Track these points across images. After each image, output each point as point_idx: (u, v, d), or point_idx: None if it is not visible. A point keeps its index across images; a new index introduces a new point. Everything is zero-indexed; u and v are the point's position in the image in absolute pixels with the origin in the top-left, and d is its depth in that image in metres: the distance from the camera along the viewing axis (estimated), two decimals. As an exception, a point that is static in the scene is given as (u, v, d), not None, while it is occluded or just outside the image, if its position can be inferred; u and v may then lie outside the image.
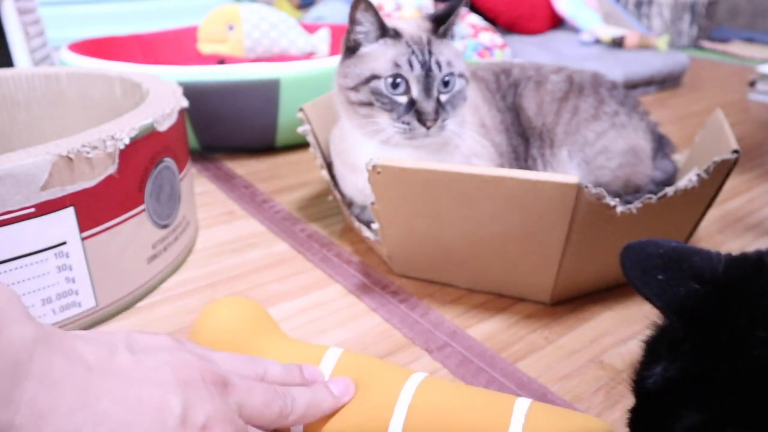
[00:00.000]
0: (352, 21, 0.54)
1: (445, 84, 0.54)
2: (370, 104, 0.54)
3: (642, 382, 0.28)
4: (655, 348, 0.29)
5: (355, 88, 0.55)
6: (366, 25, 0.54)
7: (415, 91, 0.53)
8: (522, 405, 0.35)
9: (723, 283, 0.27)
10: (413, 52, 0.53)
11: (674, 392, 0.27)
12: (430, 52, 0.53)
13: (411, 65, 0.53)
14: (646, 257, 0.29)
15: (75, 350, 0.26)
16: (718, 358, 0.26)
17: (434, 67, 0.53)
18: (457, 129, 0.56)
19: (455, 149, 0.58)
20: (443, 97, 0.54)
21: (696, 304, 0.27)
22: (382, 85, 0.53)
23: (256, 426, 0.32)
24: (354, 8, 0.53)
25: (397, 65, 0.53)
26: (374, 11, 0.53)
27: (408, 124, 0.53)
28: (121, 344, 0.29)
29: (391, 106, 0.53)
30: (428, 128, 0.53)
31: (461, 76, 0.55)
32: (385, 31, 0.54)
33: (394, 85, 0.53)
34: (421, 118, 0.53)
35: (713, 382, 0.25)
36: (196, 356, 0.31)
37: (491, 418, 0.35)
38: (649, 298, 0.28)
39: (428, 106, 0.52)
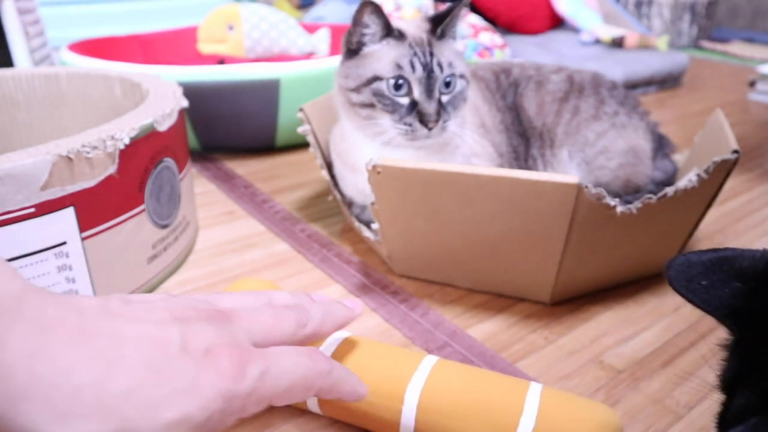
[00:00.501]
0: (359, 24, 0.53)
1: (447, 85, 0.54)
2: (371, 105, 0.54)
3: (718, 386, 0.30)
4: (726, 350, 0.30)
5: (356, 90, 0.55)
6: (373, 27, 0.53)
7: (417, 93, 0.53)
8: (536, 388, 0.37)
9: (765, 278, 0.28)
10: (415, 54, 0.53)
11: (734, 388, 0.28)
12: (431, 54, 0.53)
13: (413, 67, 0.52)
14: (690, 267, 0.30)
15: (67, 299, 0.26)
16: (763, 348, 0.27)
17: (436, 68, 0.53)
18: (457, 130, 0.56)
19: (455, 149, 0.58)
20: (444, 98, 0.54)
21: (741, 302, 0.28)
22: (384, 86, 0.53)
23: (277, 343, 0.31)
24: (361, 11, 0.52)
25: (399, 67, 0.53)
26: (381, 13, 0.52)
27: (410, 125, 0.53)
28: (115, 297, 0.28)
29: (392, 108, 0.53)
30: (430, 129, 0.53)
31: (462, 76, 0.55)
32: (389, 32, 0.54)
33: (396, 87, 0.53)
34: (422, 119, 0.53)
35: (758, 369, 0.27)
36: (191, 299, 0.31)
37: (506, 399, 0.36)
38: (696, 305, 0.29)
39: (430, 108, 0.52)
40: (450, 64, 0.54)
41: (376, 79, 0.53)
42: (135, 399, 0.24)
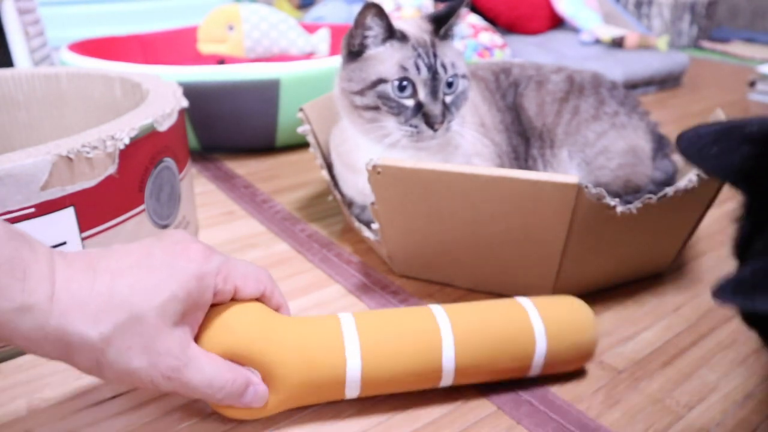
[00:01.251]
0: (361, 26, 0.53)
1: (449, 85, 0.54)
2: (376, 108, 0.54)
3: (733, 252, 0.31)
4: (737, 221, 0.31)
5: (360, 92, 0.54)
6: (375, 29, 0.53)
7: (422, 94, 0.53)
8: (524, 300, 0.45)
9: None
10: (419, 55, 0.53)
11: (749, 244, 0.30)
12: (435, 55, 0.53)
13: (418, 68, 0.52)
14: (700, 137, 0.31)
15: (78, 252, 0.36)
16: None
17: (440, 69, 0.53)
18: (459, 128, 0.56)
19: (456, 149, 0.58)
20: (448, 99, 0.54)
21: (752, 164, 0.29)
22: (389, 88, 0.53)
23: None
24: (363, 13, 0.52)
25: (404, 68, 0.52)
26: (384, 15, 0.52)
27: (416, 127, 0.53)
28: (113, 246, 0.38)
29: (398, 110, 0.53)
30: (435, 131, 0.53)
31: (464, 76, 0.55)
32: (392, 34, 0.53)
33: (401, 88, 0.52)
34: (428, 120, 0.53)
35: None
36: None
37: (518, 325, 0.42)
38: (708, 172, 0.31)
39: (435, 109, 0.52)
40: (453, 65, 0.54)
41: (381, 81, 0.53)
42: (136, 291, 0.33)
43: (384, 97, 0.53)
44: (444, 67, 0.53)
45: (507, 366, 0.42)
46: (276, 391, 0.38)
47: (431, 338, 0.41)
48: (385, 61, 0.53)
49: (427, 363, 0.40)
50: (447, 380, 0.42)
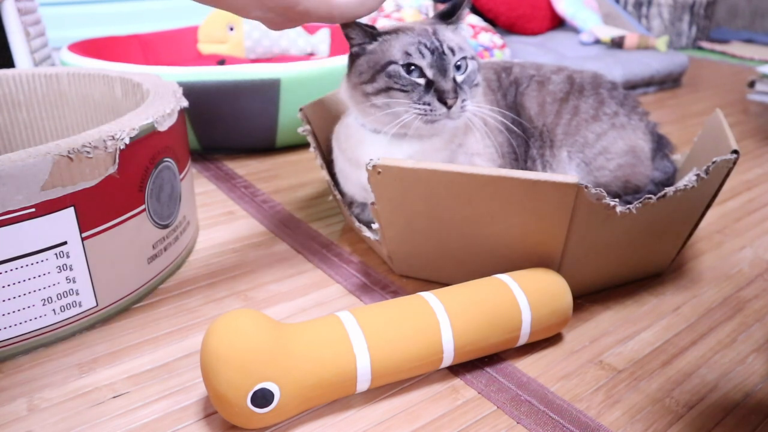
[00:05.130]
0: (347, 36, 0.57)
1: (458, 68, 0.55)
2: (387, 90, 0.54)
3: None
4: None
5: (371, 79, 0.55)
6: (358, 38, 0.56)
7: (430, 74, 0.54)
8: (504, 277, 0.47)
9: None
10: (421, 42, 0.54)
11: None
12: (438, 40, 0.54)
13: (422, 53, 0.53)
14: None
15: None
16: None
17: (447, 51, 0.54)
18: (476, 109, 0.56)
19: (459, 147, 0.58)
20: (459, 78, 0.55)
21: None
22: (399, 68, 0.54)
23: None
24: (344, 27, 0.56)
25: (407, 54, 0.54)
26: (359, 26, 0.55)
27: (428, 104, 0.53)
28: None
29: (410, 87, 0.54)
30: (449, 107, 0.53)
31: (472, 58, 0.56)
32: (379, 33, 0.56)
33: (409, 72, 0.54)
34: (441, 97, 0.53)
35: None
36: None
37: (504, 301, 0.45)
38: None
39: (446, 85, 0.53)
40: (460, 48, 0.55)
41: (391, 63, 0.54)
42: None
43: (395, 77, 0.54)
44: (451, 49, 0.54)
45: (500, 339, 0.45)
46: (292, 395, 0.39)
47: (429, 323, 0.43)
48: (392, 47, 0.55)
49: (428, 347, 0.42)
50: (447, 361, 0.44)
